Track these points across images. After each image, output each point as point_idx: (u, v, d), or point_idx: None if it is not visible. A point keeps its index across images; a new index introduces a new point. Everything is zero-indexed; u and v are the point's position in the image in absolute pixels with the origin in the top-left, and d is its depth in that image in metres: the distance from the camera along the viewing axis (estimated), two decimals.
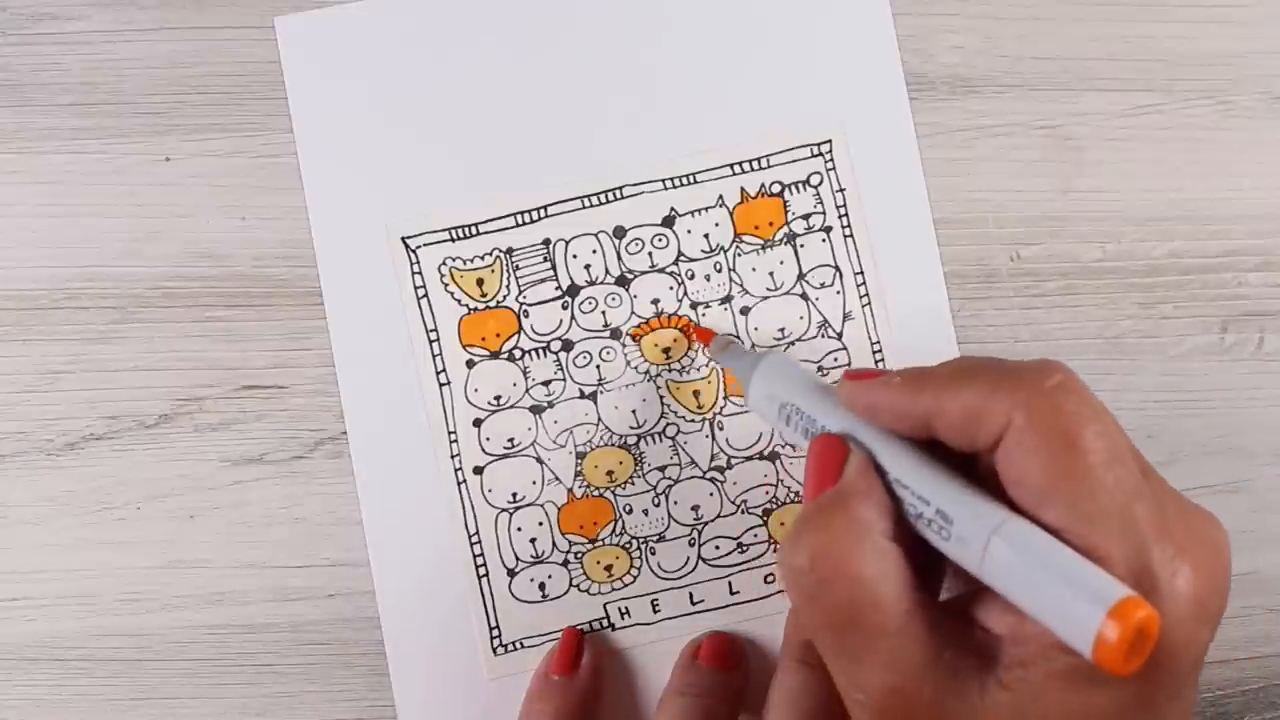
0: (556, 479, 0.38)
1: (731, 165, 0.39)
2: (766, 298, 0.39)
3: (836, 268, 0.39)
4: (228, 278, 0.38)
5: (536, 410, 0.38)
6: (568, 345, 0.38)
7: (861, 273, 0.39)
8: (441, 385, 0.38)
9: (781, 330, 0.39)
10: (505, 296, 0.38)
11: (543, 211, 0.38)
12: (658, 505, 0.38)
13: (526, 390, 0.38)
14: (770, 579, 0.38)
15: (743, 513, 0.38)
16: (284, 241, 0.38)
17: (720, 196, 0.39)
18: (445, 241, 0.38)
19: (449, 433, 0.38)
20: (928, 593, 0.27)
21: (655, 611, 0.38)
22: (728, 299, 0.39)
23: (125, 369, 0.38)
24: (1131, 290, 0.39)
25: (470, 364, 0.38)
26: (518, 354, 0.38)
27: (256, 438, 0.38)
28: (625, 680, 0.38)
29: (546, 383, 0.38)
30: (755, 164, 0.39)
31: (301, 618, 0.38)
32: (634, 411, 0.38)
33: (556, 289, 0.38)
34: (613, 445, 0.38)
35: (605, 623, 0.38)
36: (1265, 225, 0.40)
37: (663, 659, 0.38)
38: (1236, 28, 0.40)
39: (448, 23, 0.39)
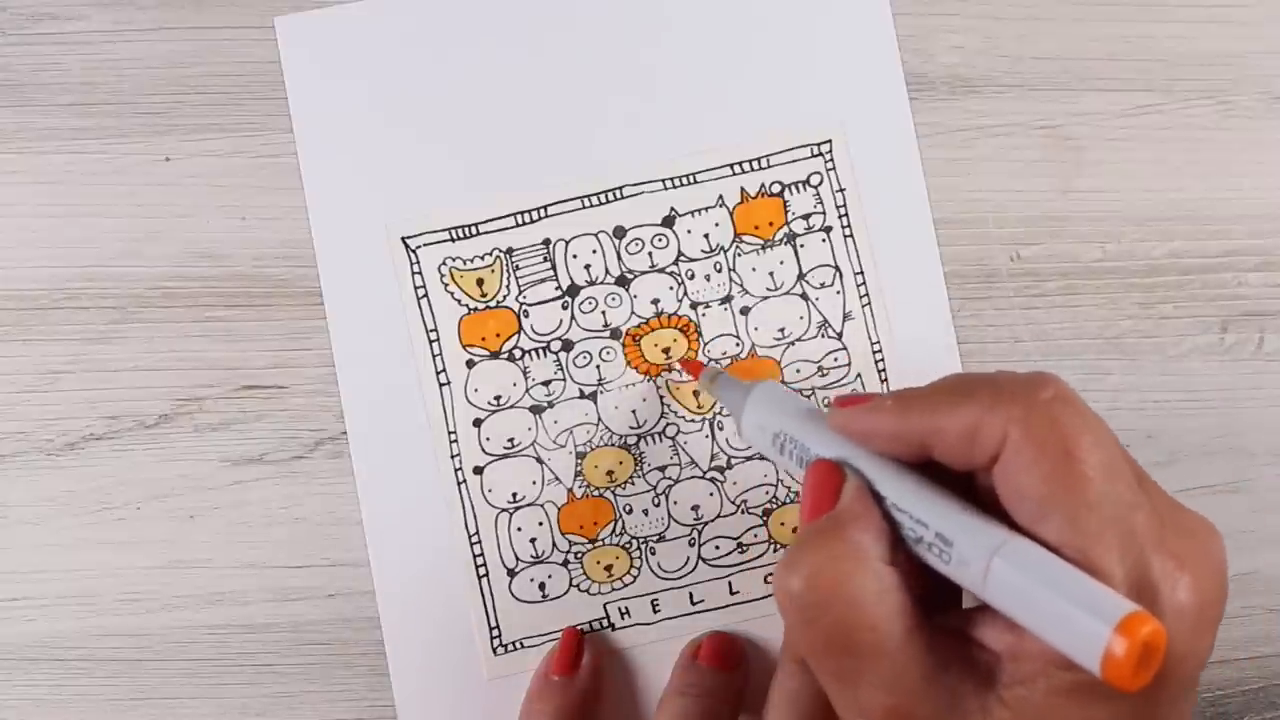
0: (556, 479, 0.38)
1: (731, 165, 0.39)
2: (766, 298, 0.39)
3: (836, 268, 0.39)
4: (228, 278, 0.38)
5: (536, 410, 0.38)
6: (568, 345, 0.38)
7: (861, 273, 0.39)
8: (441, 385, 0.38)
9: (781, 330, 0.39)
10: (505, 296, 0.38)
11: (543, 211, 0.38)
12: (658, 505, 0.38)
13: (526, 390, 0.38)
14: (770, 579, 0.38)
15: (743, 513, 0.38)
16: (284, 241, 0.38)
17: (720, 196, 0.39)
18: (445, 241, 0.38)
19: (449, 433, 0.38)
20: (940, 612, 0.27)
21: (655, 611, 0.38)
22: (728, 299, 0.39)
23: (125, 369, 0.38)
24: (1131, 290, 0.40)
25: (470, 364, 0.38)
26: (518, 354, 0.38)
27: (256, 438, 0.38)
28: (625, 680, 0.38)
29: (546, 383, 0.38)
30: (755, 164, 0.39)
31: (301, 618, 0.38)
32: (634, 411, 0.38)
33: (556, 289, 0.38)
34: (613, 445, 0.38)
35: (605, 623, 0.38)
36: (1265, 225, 0.40)
37: (663, 659, 0.38)
38: (1236, 28, 0.40)
39: (448, 23, 0.39)
